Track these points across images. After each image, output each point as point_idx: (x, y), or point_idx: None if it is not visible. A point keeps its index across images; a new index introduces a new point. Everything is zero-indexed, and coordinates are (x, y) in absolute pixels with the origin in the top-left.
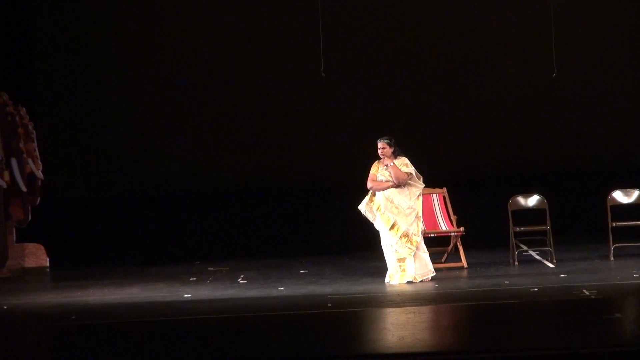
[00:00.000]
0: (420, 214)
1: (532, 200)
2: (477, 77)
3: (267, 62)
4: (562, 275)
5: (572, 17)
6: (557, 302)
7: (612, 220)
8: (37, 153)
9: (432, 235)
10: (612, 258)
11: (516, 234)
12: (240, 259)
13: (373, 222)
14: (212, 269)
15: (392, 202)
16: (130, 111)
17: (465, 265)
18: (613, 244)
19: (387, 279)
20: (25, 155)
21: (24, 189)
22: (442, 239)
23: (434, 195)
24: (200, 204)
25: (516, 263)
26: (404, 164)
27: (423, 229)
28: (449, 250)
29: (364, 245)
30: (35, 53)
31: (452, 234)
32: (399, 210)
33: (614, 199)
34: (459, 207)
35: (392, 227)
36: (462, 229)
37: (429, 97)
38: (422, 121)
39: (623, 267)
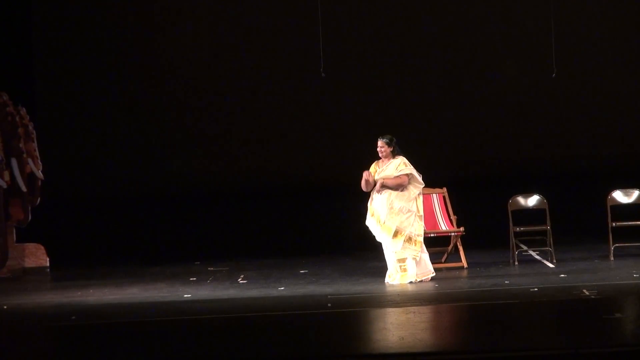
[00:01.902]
0: (422, 212)
1: (532, 200)
2: (477, 77)
3: (267, 62)
4: (562, 275)
5: (572, 17)
6: (557, 302)
7: (612, 220)
8: (37, 153)
9: (432, 235)
10: (612, 258)
11: (516, 234)
12: (240, 259)
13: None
14: (212, 269)
15: (392, 207)
16: (130, 111)
17: (465, 265)
18: (613, 244)
19: (387, 279)
20: (25, 155)
21: (24, 189)
22: (442, 239)
23: (434, 195)
24: (201, 204)
25: (516, 263)
26: (403, 163)
27: (424, 229)
28: (449, 250)
29: (364, 246)
30: (35, 53)
31: (452, 234)
32: (400, 215)
33: (614, 199)
34: (459, 207)
35: (395, 234)
36: (462, 229)
37: (429, 97)
38: (422, 121)
39: (623, 267)
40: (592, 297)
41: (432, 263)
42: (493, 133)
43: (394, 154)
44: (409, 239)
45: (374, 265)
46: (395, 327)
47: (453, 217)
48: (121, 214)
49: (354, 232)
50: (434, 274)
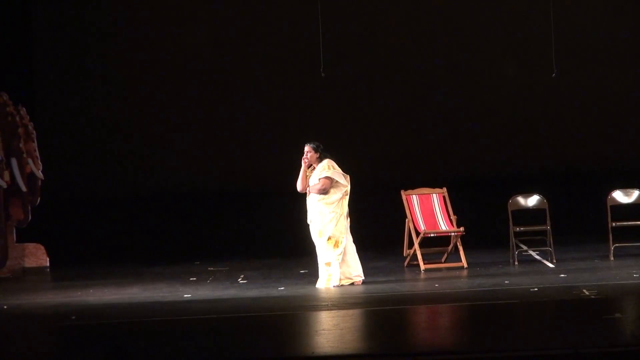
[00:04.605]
0: (345, 213)
1: (532, 200)
2: (477, 77)
3: (267, 62)
4: (562, 275)
5: (572, 17)
6: (557, 302)
7: (612, 220)
8: (37, 153)
9: (432, 235)
10: (612, 258)
11: (516, 234)
12: (240, 259)
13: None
14: (212, 269)
15: (315, 209)
16: (130, 111)
17: (465, 265)
18: (613, 244)
19: (317, 284)
20: (25, 155)
21: (24, 189)
22: (442, 239)
23: (434, 195)
24: (201, 204)
25: (516, 263)
26: (326, 167)
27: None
28: (449, 250)
29: (363, 246)
30: (35, 53)
31: (452, 234)
32: (323, 217)
33: (614, 199)
34: (459, 207)
35: (319, 233)
36: (462, 229)
37: (429, 97)
38: (422, 121)
39: (623, 267)
40: (592, 297)
41: (432, 263)
42: (493, 133)
43: (320, 159)
44: (334, 242)
45: (373, 266)
46: (396, 326)
47: (453, 217)
48: (121, 214)
49: (353, 232)
50: (363, 278)
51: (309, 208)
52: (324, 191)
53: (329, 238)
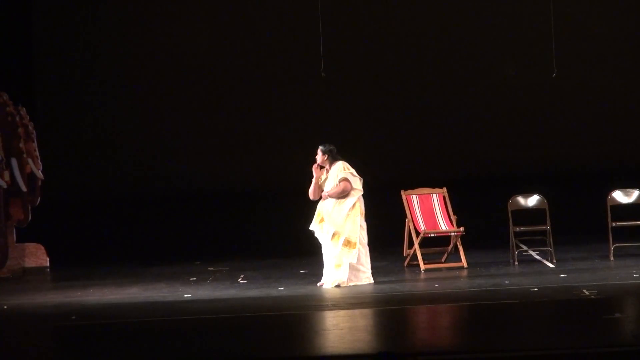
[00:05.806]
0: (359, 216)
1: (532, 200)
2: (477, 77)
3: (267, 62)
4: (562, 275)
5: (572, 17)
6: (557, 302)
7: (612, 220)
8: (37, 153)
9: (432, 235)
10: (612, 258)
11: (516, 234)
12: (240, 259)
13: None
14: (212, 269)
15: (331, 212)
16: (130, 111)
17: (465, 265)
18: (613, 244)
19: (320, 282)
20: (25, 155)
21: (24, 189)
22: (442, 239)
23: (434, 195)
24: (201, 204)
25: (516, 263)
26: (342, 168)
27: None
28: (449, 250)
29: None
30: (35, 53)
31: (452, 234)
32: (338, 220)
33: (614, 199)
34: (459, 207)
35: (333, 236)
36: (462, 229)
37: (429, 97)
38: (422, 121)
39: (623, 267)
40: (592, 297)
41: (433, 263)
42: (493, 133)
43: (331, 161)
44: (349, 244)
45: (374, 265)
46: (396, 326)
47: (453, 217)
48: (121, 214)
49: None
50: (372, 281)
51: (324, 212)
52: (345, 193)
53: (345, 240)
